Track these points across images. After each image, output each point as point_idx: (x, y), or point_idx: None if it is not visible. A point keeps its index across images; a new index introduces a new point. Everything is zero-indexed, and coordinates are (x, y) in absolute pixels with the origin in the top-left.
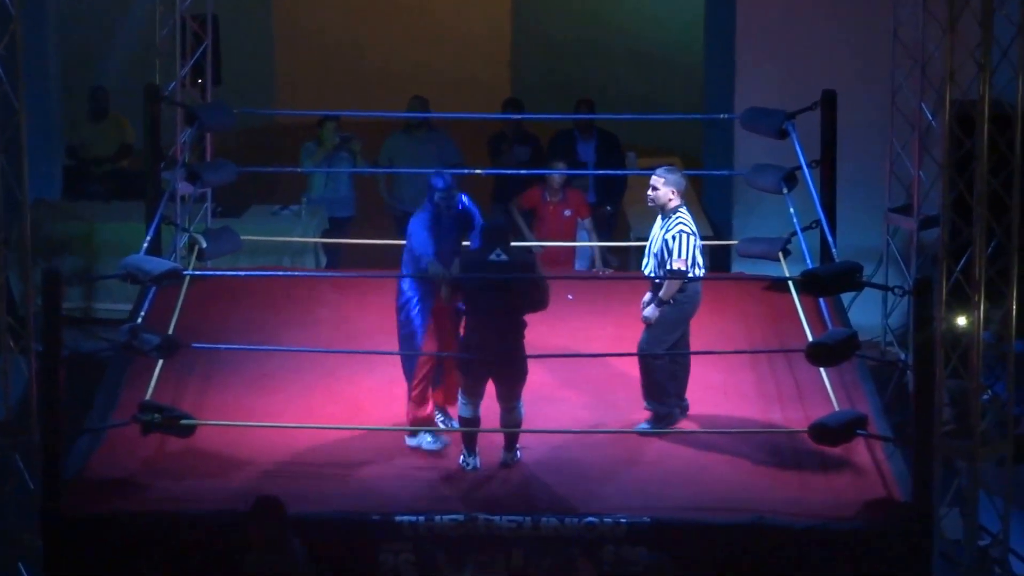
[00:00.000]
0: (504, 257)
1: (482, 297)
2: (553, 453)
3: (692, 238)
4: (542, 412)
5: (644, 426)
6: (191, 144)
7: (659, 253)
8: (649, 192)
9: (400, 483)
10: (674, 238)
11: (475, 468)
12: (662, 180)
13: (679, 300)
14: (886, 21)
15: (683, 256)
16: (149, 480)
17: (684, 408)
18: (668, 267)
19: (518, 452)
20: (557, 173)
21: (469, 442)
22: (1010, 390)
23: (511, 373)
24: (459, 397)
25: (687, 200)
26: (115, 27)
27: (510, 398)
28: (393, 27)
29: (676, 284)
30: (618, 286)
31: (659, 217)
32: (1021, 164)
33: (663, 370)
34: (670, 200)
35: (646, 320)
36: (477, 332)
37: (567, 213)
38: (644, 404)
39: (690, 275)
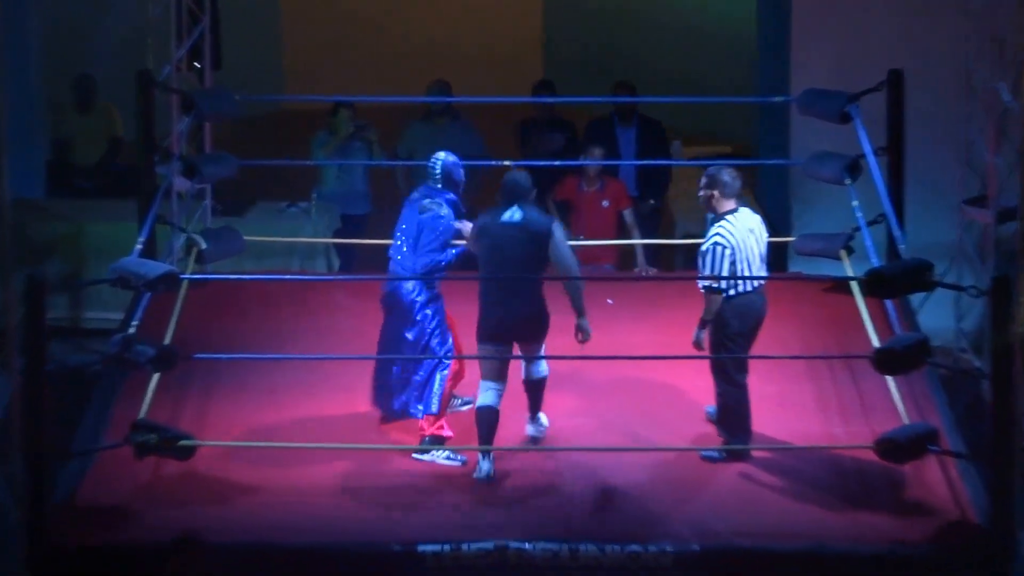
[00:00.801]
0: (517, 217)
1: (497, 256)
2: (592, 474)
3: (727, 251)
4: (579, 427)
5: (712, 453)
6: (188, 135)
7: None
8: (699, 193)
9: (422, 508)
10: (702, 254)
11: (489, 475)
12: (706, 180)
13: (721, 318)
14: None
15: (711, 271)
16: (144, 508)
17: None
18: (700, 285)
19: (543, 422)
20: (594, 164)
21: (487, 438)
22: None
23: (533, 331)
24: (481, 385)
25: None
26: (103, 7)
27: (533, 350)
28: (413, 2)
29: (713, 304)
30: (663, 288)
31: (710, 223)
32: None
33: (734, 397)
34: (715, 202)
35: (695, 345)
36: (494, 295)
37: (605, 204)
38: (710, 415)
39: (716, 288)
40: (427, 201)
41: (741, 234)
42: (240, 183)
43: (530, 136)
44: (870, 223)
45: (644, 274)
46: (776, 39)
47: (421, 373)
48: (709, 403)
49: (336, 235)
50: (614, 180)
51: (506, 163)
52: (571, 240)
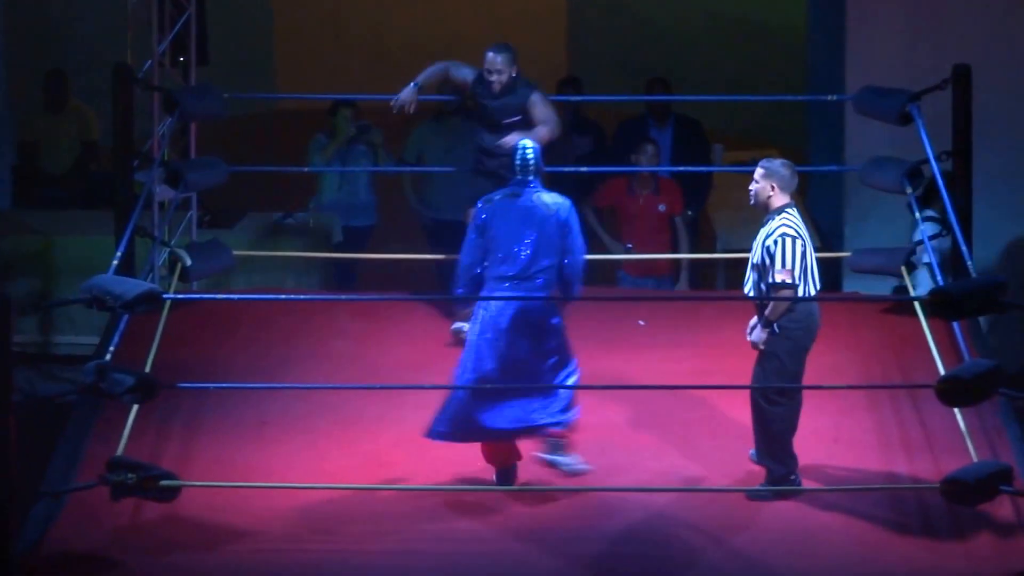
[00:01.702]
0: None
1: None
2: (631, 515)
3: (798, 242)
4: (615, 463)
5: (760, 492)
6: (171, 138)
7: (760, 262)
8: (750, 187)
9: (437, 555)
10: (776, 243)
11: None
12: (762, 171)
13: (787, 328)
14: None
15: (787, 265)
16: (121, 555)
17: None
18: (770, 280)
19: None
20: (630, 170)
21: None
22: None
23: None
24: None
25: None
26: None
27: None
28: None
29: (783, 304)
30: (700, 309)
31: (763, 222)
32: None
33: (782, 419)
34: (770, 197)
35: (755, 345)
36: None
37: (662, 208)
38: (753, 457)
39: (800, 289)
40: (547, 196)
41: (806, 228)
42: (229, 191)
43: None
44: (934, 236)
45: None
46: (829, 31)
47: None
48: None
49: (336, 249)
50: (668, 181)
51: None
52: (622, 250)
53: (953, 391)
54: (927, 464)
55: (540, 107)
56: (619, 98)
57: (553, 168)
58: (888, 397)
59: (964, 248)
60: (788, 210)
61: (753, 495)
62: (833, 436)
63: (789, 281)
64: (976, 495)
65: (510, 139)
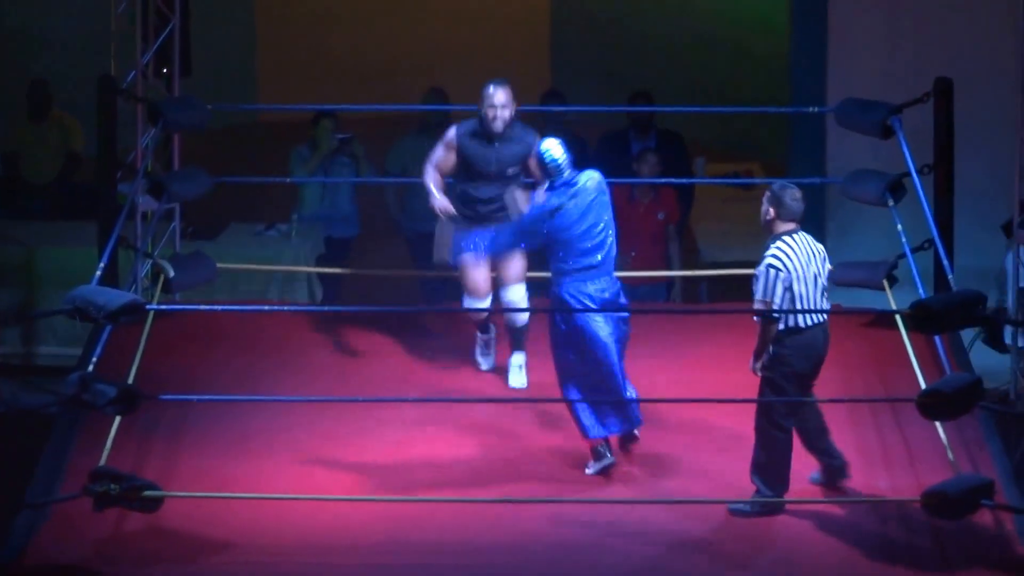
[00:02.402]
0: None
1: None
2: (607, 527)
3: (781, 274)
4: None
5: (741, 506)
6: (155, 149)
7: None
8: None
9: (422, 567)
10: (759, 273)
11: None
12: (767, 195)
13: (781, 354)
14: None
15: (766, 296)
16: (104, 567)
17: (840, 467)
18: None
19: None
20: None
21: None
22: None
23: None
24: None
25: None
26: (59, 4)
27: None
28: (405, 2)
29: (767, 334)
30: (685, 322)
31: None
32: None
33: (779, 444)
34: (770, 221)
35: (754, 372)
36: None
37: (660, 216)
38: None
39: (787, 318)
40: (587, 179)
41: (799, 258)
42: (212, 203)
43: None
44: (916, 249)
45: None
46: (811, 43)
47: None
48: (738, 445)
49: (320, 261)
50: (667, 189)
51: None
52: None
53: (935, 405)
54: (908, 477)
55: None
56: (602, 109)
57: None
58: (870, 410)
59: (945, 261)
60: (784, 238)
61: (733, 510)
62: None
63: (765, 310)
64: (957, 509)
65: (520, 202)
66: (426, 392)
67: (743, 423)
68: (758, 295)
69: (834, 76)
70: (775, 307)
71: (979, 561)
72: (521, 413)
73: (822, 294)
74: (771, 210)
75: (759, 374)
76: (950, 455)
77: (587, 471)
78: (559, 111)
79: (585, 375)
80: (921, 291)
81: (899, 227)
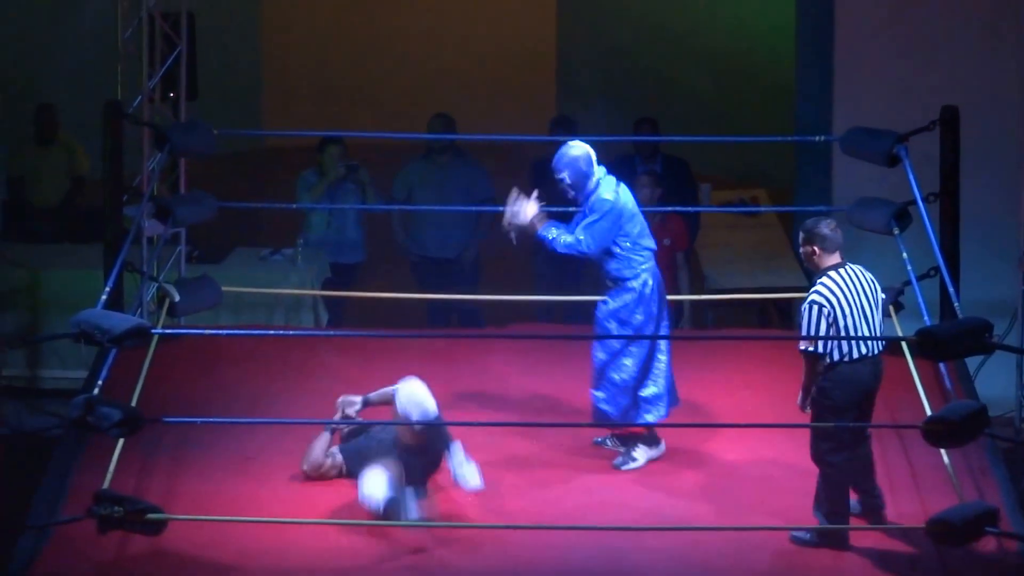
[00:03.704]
0: None
1: None
2: (603, 552)
3: (824, 310)
4: (601, 500)
5: (803, 535)
6: (161, 173)
7: None
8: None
9: None
10: (803, 310)
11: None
12: (802, 236)
13: (826, 388)
14: (1015, 23)
15: (807, 332)
16: None
17: (878, 507)
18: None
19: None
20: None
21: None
22: None
23: None
24: None
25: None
26: (66, 29)
27: None
28: (410, 28)
29: (811, 369)
30: (690, 348)
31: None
32: None
33: (842, 472)
34: (815, 258)
35: (801, 407)
36: None
37: (667, 243)
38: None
39: (813, 351)
40: (608, 181)
41: (847, 292)
42: (218, 227)
43: (545, 178)
44: (921, 277)
45: None
46: (818, 71)
47: None
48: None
49: (325, 286)
50: (674, 216)
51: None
52: None
53: (940, 432)
54: (913, 504)
55: None
56: (610, 138)
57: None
58: (875, 437)
59: (951, 289)
60: (831, 273)
61: (796, 541)
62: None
63: (811, 349)
64: (962, 536)
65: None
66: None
67: (752, 450)
68: (804, 331)
69: (840, 104)
70: (820, 345)
71: None
72: (527, 441)
73: (877, 326)
74: (814, 248)
75: (806, 411)
76: (955, 482)
77: (631, 464)
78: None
79: (644, 360)
80: (927, 319)
81: (904, 255)
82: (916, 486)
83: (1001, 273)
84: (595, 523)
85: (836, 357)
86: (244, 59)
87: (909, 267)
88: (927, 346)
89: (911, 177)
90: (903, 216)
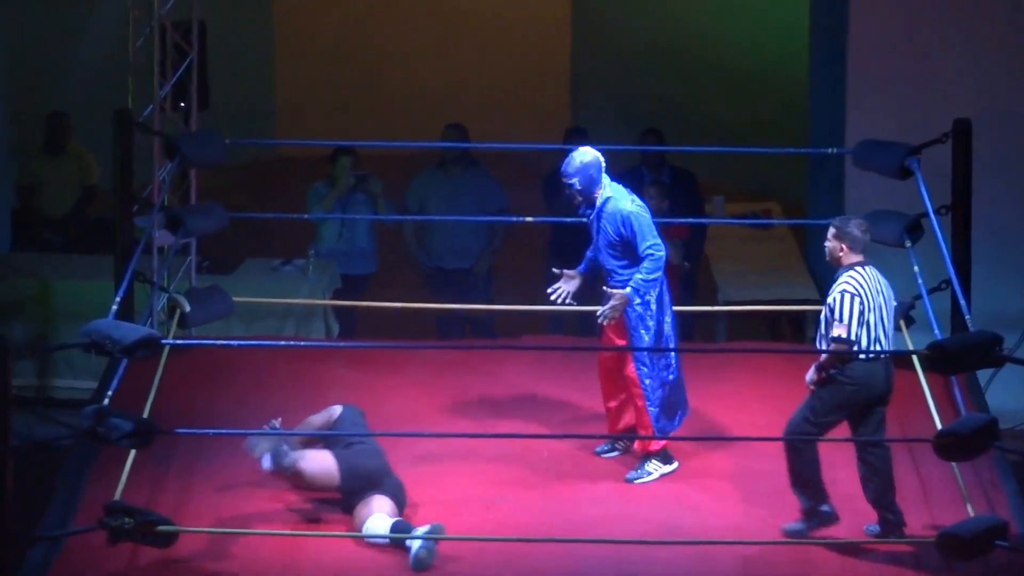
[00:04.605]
0: None
1: None
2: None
3: (856, 299)
4: (611, 513)
5: (795, 525)
6: (171, 183)
7: (825, 318)
8: (825, 244)
9: None
10: (835, 299)
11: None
12: (833, 231)
13: (838, 378)
14: None
15: (843, 320)
16: None
17: (897, 523)
18: (830, 334)
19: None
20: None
21: None
22: None
23: None
24: None
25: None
26: (78, 38)
27: None
28: (423, 38)
29: (836, 356)
30: (700, 361)
31: (834, 278)
32: None
33: (810, 456)
34: (841, 255)
35: (807, 382)
36: None
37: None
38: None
39: (846, 338)
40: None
41: (871, 288)
42: (229, 237)
43: (557, 189)
44: (932, 290)
45: None
46: (830, 84)
47: None
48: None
49: (336, 296)
50: (679, 227)
51: (528, 219)
52: None
53: (951, 445)
54: (923, 517)
55: None
56: (625, 148)
57: (553, 218)
58: None
59: (963, 302)
60: (856, 268)
61: (788, 534)
62: (830, 488)
63: (844, 335)
64: (972, 549)
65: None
66: (440, 428)
67: (764, 463)
68: (838, 319)
69: (853, 116)
70: (854, 333)
71: None
72: (537, 452)
73: (891, 330)
74: (842, 246)
75: (811, 387)
76: (965, 495)
77: (646, 479)
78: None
79: (666, 369)
80: (937, 332)
81: (916, 268)
82: (926, 499)
83: (1012, 286)
84: (606, 536)
85: (862, 352)
86: (257, 69)
87: (920, 280)
88: (938, 359)
89: (923, 190)
90: (915, 229)
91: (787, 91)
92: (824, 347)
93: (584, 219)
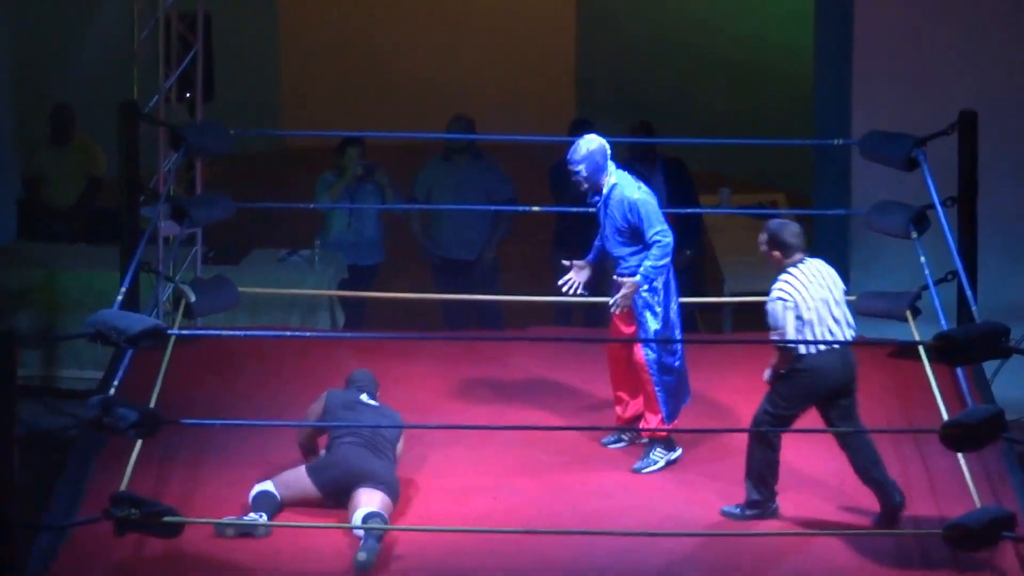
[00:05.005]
0: None
1: None
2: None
3: (791, 305)
4: (612, 506)
5: (733, 509)
6: (177, 173)
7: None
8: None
9: None
10: (769, 308)
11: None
12: (765, 237)
13: (792, 371)
14: None
15: (780, 327)
16: None
17: (898, 501)
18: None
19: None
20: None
21: None
22: None
23: None
24: None
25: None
26: (83, 30)
27: None
28: (429, 30)
29: (783, 359)
30: (703, 352)
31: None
32: None
33: (771, 445)
34: (777, 259)
35: (766, 381)
36: None
37: None
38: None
39: (792, 343)
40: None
41: (806, 286)
42: (235, 228)
43: (563, 181)
44: (939, 281)
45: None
46: (836, 75)
47: None
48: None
49: (342, 287)
50: (672, 217)
51: (534, 208)
52: None
53: (957, 436)
54: (929, 509)
55: None
56: (628, 140)
57: (559, 208)
58: (891, 441)
59: (969, 293)
60: (790, 269)
61: (726, 514)
62: (837, 480)
63: (784, 344)
64: (978, 541)
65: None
66: (444, 420)
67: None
68: (773, 326)
69: (859, 108)
70: (789, 337)
71: None
72: (543, 443)
73: (842, 316)
74: (775, 252)
75: (768, 383)
76: (972, 487)
77: (652, 468)
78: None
79: (672, 355)
80: (944, 323)
81: (922, 259)
82: (933, 491)
83: (1019, 277)
84: (612, 527)
85: (803, 351)
86: (262, 61)
87: (927, 271)
88: (944, 350)
89: (929, 181)
90: (921, 220)
91: (792, 83)
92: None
93: (592, 207)
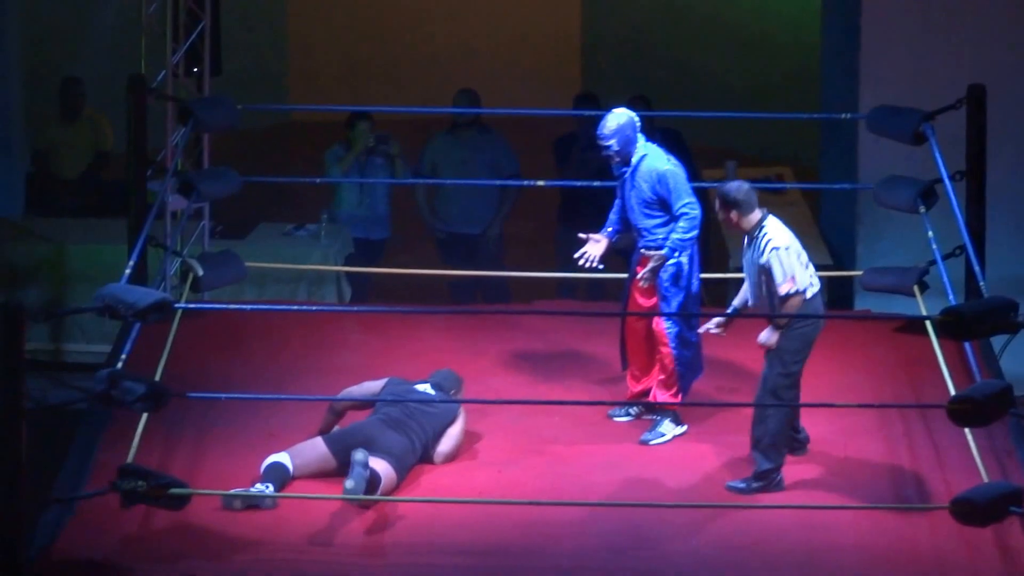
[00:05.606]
0: None
1: None
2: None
3: (790, 249)
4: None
5: (739, 484)
6: (185, 148)
7: (756, 282)
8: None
9: (445, 567)
10: (770, 260)
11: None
12: (718, 203)
13: (795, 326)
14: None
15: (790, 273)
16: (130, 562)
17: (803, 440)
18: (779, 294)
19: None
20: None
21: None
22: None
23: None
24: None
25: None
26: (91, 5)
27: None
28: (435, 4)
29: (794, 309)
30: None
31: (745, 239)
32: None
33: (778, 419)
34: (738, 221)
35: (763, 344)
36: None
37: None
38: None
39: (799, 290)
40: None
41: (789, 232)
42: (242, 202)
43: (568, 154)
44: (947, 256)
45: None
46: (844, 49)
47: None
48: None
49: (349, 261)
50: None
51: (539, 183)
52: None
53: (965, 411)
54: (937, 484)
55: None
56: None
57: (564, 182)
58: (899, 416)
59: (977, 268)
60: (764, 223)
61: (730, 489)
62: (843, 454)
63: (797, 288)
64: (985, 516)
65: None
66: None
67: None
68: (782, 279)
69: (866, 82)
70: (802, 281)
71: (1007, 569)
72: (550, 417)
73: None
74: (732, 214)
75: (771, 346)
76: (979, 462)
77: (660, 440)
78: (588, 115)
79: (691, 329)
80: (952, 298)
81: (930, 234)
82: (940, 466)
83: None
84: (618, 499)
85: (809, 293)
86: (270, 35)
87: (935, 246)
88: (952, 325)
89: (937, 155)
90: (929, 195)
91: (798, 57)
92: (778, 306)
93: (616, 179)
